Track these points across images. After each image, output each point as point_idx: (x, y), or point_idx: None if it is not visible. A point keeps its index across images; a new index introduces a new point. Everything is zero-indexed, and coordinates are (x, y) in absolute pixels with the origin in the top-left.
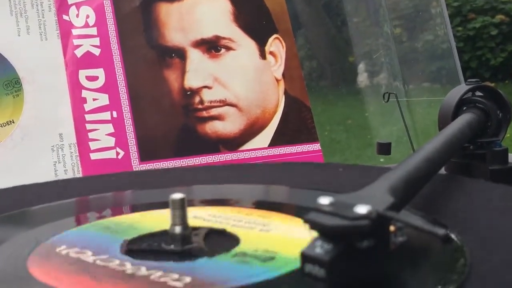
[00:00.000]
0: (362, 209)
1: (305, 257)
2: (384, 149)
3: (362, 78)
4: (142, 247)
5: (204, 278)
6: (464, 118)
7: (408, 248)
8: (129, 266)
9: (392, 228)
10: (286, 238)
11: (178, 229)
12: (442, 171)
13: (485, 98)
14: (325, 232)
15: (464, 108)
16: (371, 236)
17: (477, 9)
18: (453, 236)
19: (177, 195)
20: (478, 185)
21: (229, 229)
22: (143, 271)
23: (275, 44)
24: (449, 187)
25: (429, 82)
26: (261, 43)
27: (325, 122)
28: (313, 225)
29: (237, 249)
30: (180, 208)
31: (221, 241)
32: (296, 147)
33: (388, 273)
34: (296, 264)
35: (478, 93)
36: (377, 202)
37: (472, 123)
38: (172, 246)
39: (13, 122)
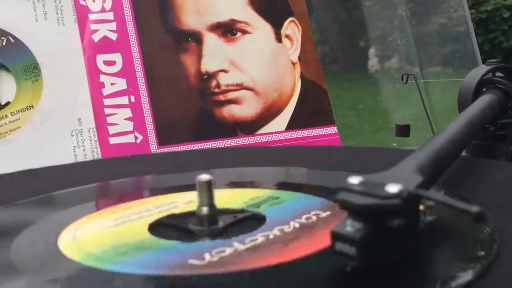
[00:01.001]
0: (393, 188)
1: (336, 235)
2: (403, 131)
3: (373, 63)
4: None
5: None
6: (485, 99)
7: (438, 227)
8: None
9: (421, 207)
10: None
11: (204, 210)
12: (463, 153)
13: (506, 79)
14: (356, 211)
15: (484, 89)
16: (401, 214)
17: None
18: (486, 215)
19: (205, 176)
20: (500, 166)
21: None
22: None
23: (290, 27)
24: (471, 168)
25: (442, 66)
26: (277, 27)
27: (337, 107)
28: (344, 204)
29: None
30: (207, 189)
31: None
32: (313, 130)
33: (417, 252)
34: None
35: (498, 74)
36: (407, 181)
37: (493, 104)
38: (199, 227)
39: (33, 107)
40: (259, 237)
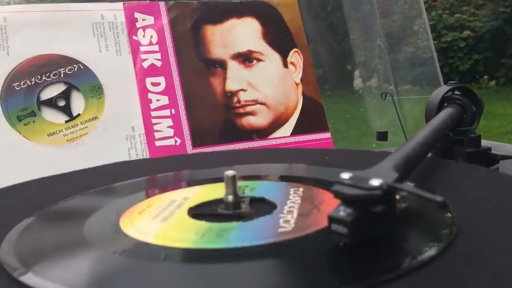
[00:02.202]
0: (375, 182)
1: (332, 219)
2: (383, 136)
3: (357, 82)
4: (204, 212)
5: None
6: (446, 112)
7: (409, 212)
8: (191, 227)
9: (397, 196)
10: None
11: (230, 198)
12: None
13: (462, 96)
14: (347, 200)
15: (446, 104)
16: (382, 203)
17: (448, 26)
18: (448, 203)
19: (230, 172)
20: (457, 165)
21: (271, 195)
22: (201, 234)
23: (294, 56)
24: (435, 167)
25: (412, 85)
26: (284, 55)
27: (329, 116)
28: (337, 195)
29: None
30: (232, 182)
31: (263, 207)
32: (312, 135)
33: (394, 232)
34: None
35: (457, 92)
36: (386, 176)
37: (452, 115)
38: (226, 211)
39: (97, 118)
40: (288, 211)
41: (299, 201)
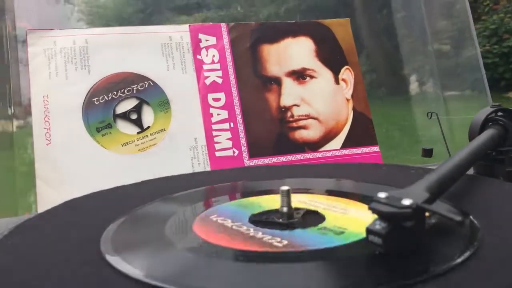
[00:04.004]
0: (406, 201)
1: (369, 231)
2: (428, 153)
3: (413, 87)
4: (262, 219)
5: (297, 242)
6: (487, 134)
7: (439, 227)
8: (251, 230)
9: (427, 214)
10: (355, 218)
11: (285, 209)
12: (471, 171)
13: (505, 117)
14: (382, 216)
15: (490, 124)
16: (412, 219)
17: (510, 30)
18: (466, 222)
19: (285, 187)
20: (495, 183)
21: (320, 210)
22: (259, 234)
23: (346, 73)
24: (475, 184)
25: (465, 91)
26: (336, 73)
27: (383, 122)
28: (374, 211)
29: (321, 225)
30: (287, 195)
31: (313, 218)
32: (361, 149)
33: (424, 244)
34: (358, 237)
35: (500, 113)
36: (417, 197)
37: (493, 137)
38: (280, 220)
39: (165, 130)
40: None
41: (341, 211)
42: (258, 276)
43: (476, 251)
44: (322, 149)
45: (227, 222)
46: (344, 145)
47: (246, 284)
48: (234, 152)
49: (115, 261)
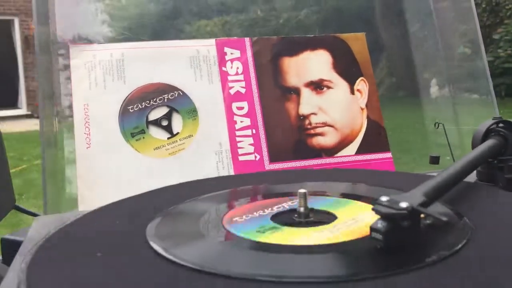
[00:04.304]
0: (403, 204)
1: (372, 229)
2: (435, 160)
3: (434, 90)
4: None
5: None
6: (487, 143)
7: (433, 226)
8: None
9: (422, 215)
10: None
11: (302, 209)
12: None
13: (505, 128)
14: (382, 216)
15: (493, 134)
16: (408, 219)
17: None
18: (456, 222)
19: (302, 190)
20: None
21: (332, 210)
22: (278, 235)
23: (361, 84)
24: (474, 190)
25: (474, 98)
26: (351, 83)
27: (400, 125)
28: (377, 212)
29: (334, 223)
30: (303, 197)
31: (326, 217)
32: (374, 155)
33: (418, 240)
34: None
35: (501, 125)
36: (414, 200)
37: (492, 146)
38: (298, 219)
39: (192, 136)
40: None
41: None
42: (273, 262)
43: (465, 246)
44: (338, 154)
45: (252, 220)
46: (358, 151)
47: (261, 269)
48: (255, 157)
49: (156, 246)
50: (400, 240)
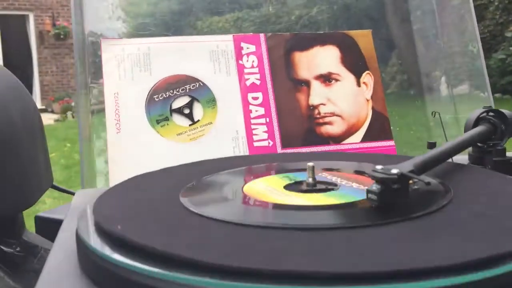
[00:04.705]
0: (394, 170)
1: (368, 191)
2: (432, 146)
3: (443, 88)
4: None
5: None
6: (476, 129)
7: (419, 191)
8: (284, 194)
9: (410, 181)
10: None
11: (310, 180)
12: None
13: (494, 117)
14: (377, 180)
15: (483, 121)
16: (397, 182)
17: None
18: (438, 189)
19: (311, 163)
20: (477, 169)
21: (337, 180)
22: (291, 198)
23: (366, 77)
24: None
25: (501, 93)
26: (358, 77)
27: (411, 123)
28: (372, 177)
29: (336, 192)
30: (312, 170)
31: (330, 186)
32: (378, 143)
33: (406, 201)
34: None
35: (491, 114)
36: (403, 168)
37: (482, 132)
38: (307, 188)
39: (211, 123)
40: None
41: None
42: (283, 216)
43: (445, 206)
44: (344, 142)
45: (268, 187)
46: (364, 139)
47: (274, 221)
48: (269, 143)
49: (187, 204)
50: (391, 200)
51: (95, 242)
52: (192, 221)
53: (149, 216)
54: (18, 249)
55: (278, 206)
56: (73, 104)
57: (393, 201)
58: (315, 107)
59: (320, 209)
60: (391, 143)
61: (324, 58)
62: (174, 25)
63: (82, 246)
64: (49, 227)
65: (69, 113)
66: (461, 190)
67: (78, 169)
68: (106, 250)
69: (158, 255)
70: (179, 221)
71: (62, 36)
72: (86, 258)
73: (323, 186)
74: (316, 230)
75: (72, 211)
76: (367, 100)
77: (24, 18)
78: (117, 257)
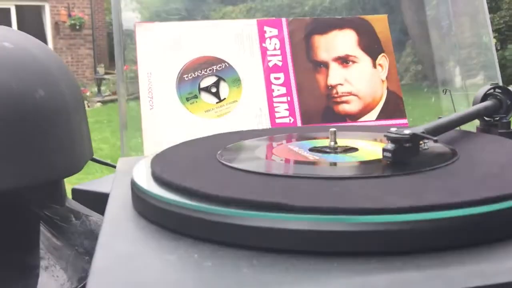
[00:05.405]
0: (406, 131)
1: (384, 149)
2: None
3: (458, 80)
4: (317, 149)
5: (332, 160)
6: (483, 104)
7: (427, 151)
8: (310, 154)
9: (421, 142)
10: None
11: (332, 144)
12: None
13: (500, 93)
14: (391, 140)
15: (490, 97)
16: (409, 142)
17: None
18: (442, 147)
19: (333, 129)
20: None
21: (355, 145)
22: (316, 157)
23: (382, 59)
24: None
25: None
26: (374, 58)
27: (425, 114)
28: (387, 137)
29: (354, 153)
30: (334, 134)
31: (349, 150)
32: (392, 120)
33: (417, 158)
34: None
35: (497, 90)
36: (416, 130)
37: (488, 106)
38: (328, 150)
39: (236, 101)
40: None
41: (369, 146)
42: (306, 169)
43: (451, 163)
44: (360, 120)
45: (295, 149)
46: (378, 117)
47: (302, 172)
48: (290, 120)
49: (225, 162)
50: (404, 157)
51: (149, 186)
52: (223, 170)
53: (191, 167)
54: (61, 213)
55: (300, 163)
56: (88, 94)
57: (405, 159)
58: (333, 87)
59: (342, 167)
60: (405, 121)
61: (342, 41)
62: (188, 17)
63: (137, 190)
64: (84, 198)
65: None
66: (466, 151)
67: (101, 154)
68: (158, 192)
69: (196, 194)
70: (214, 171)
71: (77, 27)
72: (141, 200)
73: (343, 149)
74: (339, 180)
75: (119, 172)
76: (382, 81)
77: (40, 9)
78: (164, 193)
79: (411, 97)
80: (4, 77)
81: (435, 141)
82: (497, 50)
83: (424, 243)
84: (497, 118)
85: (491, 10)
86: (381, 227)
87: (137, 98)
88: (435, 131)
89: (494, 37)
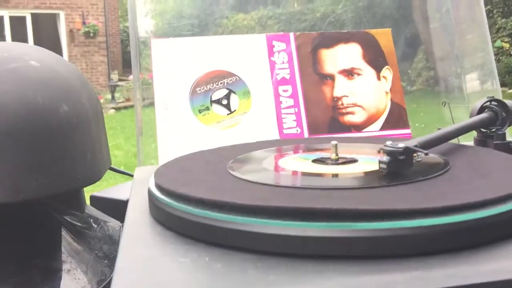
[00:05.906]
0: (401, 145)
1: (380, 161)
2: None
3: (469, 86)
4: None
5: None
6: (480, 116)
7: (421, 162)
8: (313, 165)
9: (414, 154)
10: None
11: (333, 155)
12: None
13: (496, 106)
14: (386, 153)
15: (486, 110)
16: (403, 154)
17: None
18: (435, 157)
19: (334, 142)
20: (473, 148)
21: (355, 157)
22: (317, 168)
23: (386, 72)
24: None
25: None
26: (378, 71)
27: (435, 121)
28: (383, 151)
29: (356, 164)
30: (335, 147)
31: (350, 161)
32: (395, 131)
33: (411, 170)
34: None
35: (493, 103)
36: (409, 144)
37: (484, 119)
38: (331, 161)
39: (246, 113)
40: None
41: (369, 158)
42: (311, 180)
43: (442, 174)
44: (365, 130)
45: (299, 161)
46: (383, 128)
47: (304, 183)
48: (297, 131)
49: (234, 173)
50: (398, 168)
51: (164, 195)
52: (232, 182)
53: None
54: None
55: (304, 175)
56: (102, 100)
57: (399, 170)
58: (338, 98)
59: (343, 177)
60: (408, 131)
61: (347, 54)
62: (200, 24)
63: (154, 199)
64: (102, 204)
65: None
66: (459, 162)
67: (115, 160)
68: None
69: (207, 203)
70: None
71: (91, 34)
72: (157, 209)
73: (344, 161)
74: (339, 190)
75: (136, 180)
76: (386, 92)
77: (55, 17)
78: (178, 204)
79: (423, 102)
80: (31, 93)
81: (426, 154)
82: (510, 55)
83: (409, 248)
84: (493, 130)
85: (504, 14)
86: (371, 233)
87: (151, 104)
88: (429, 144)
89: (507, 42)
